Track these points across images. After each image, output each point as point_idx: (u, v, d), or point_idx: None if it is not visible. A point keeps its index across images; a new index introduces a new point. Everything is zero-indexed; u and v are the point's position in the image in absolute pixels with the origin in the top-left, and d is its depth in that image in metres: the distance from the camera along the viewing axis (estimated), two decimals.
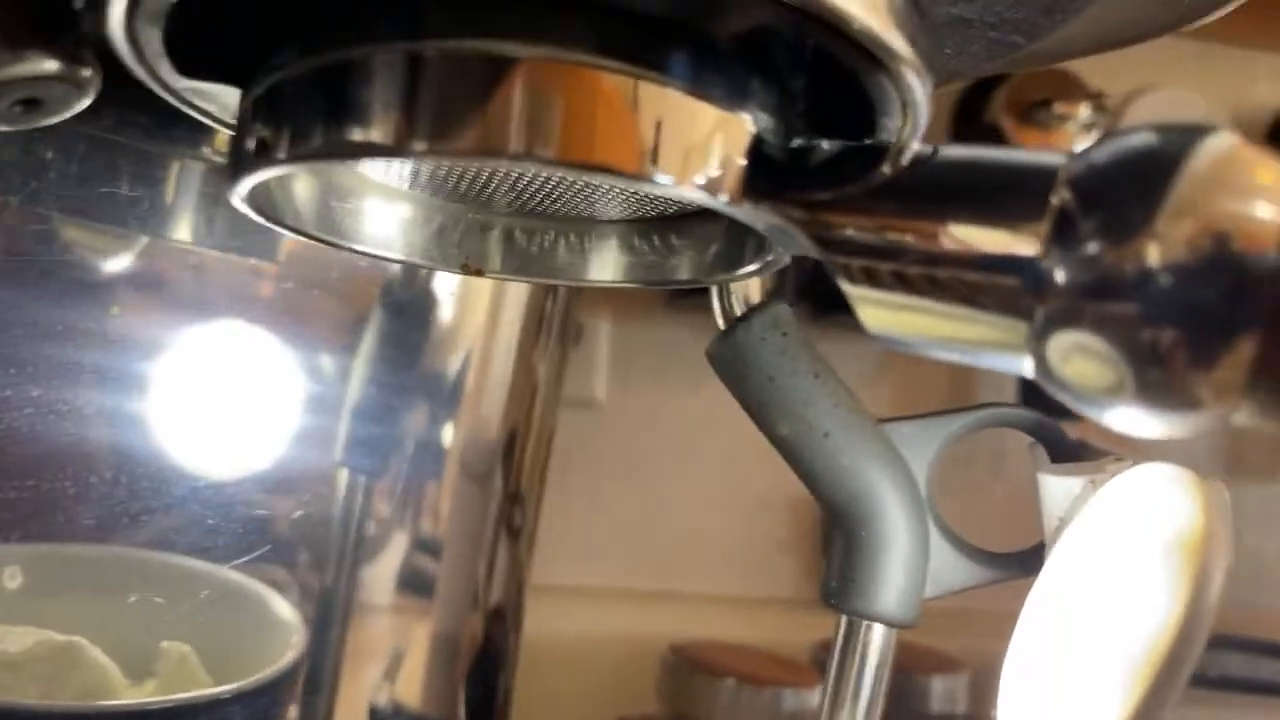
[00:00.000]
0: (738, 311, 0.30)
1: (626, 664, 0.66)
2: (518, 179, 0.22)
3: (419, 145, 0.17)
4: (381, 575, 0.37)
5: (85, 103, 0.19)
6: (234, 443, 0.33)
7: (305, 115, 0.18)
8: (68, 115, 0.20)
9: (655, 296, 0.74)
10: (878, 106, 0.19)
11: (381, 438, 0.37)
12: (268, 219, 0.22)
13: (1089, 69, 0.68)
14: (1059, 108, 0.62)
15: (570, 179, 0.22)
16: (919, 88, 0.18)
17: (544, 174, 0.21)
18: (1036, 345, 0.17)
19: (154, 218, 0.29)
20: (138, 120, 0.27)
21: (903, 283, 0.17)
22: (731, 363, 0.30)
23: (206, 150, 0.29)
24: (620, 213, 0.24)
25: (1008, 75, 0.66)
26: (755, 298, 0.30)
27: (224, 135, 0.29)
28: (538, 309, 0.43)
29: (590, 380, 0.73)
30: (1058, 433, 0.30)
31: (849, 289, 0.18)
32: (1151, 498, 0.22)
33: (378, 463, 0.37)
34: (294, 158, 0.18)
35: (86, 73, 0.19)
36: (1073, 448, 0.29)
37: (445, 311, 0.38)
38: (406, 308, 0.36)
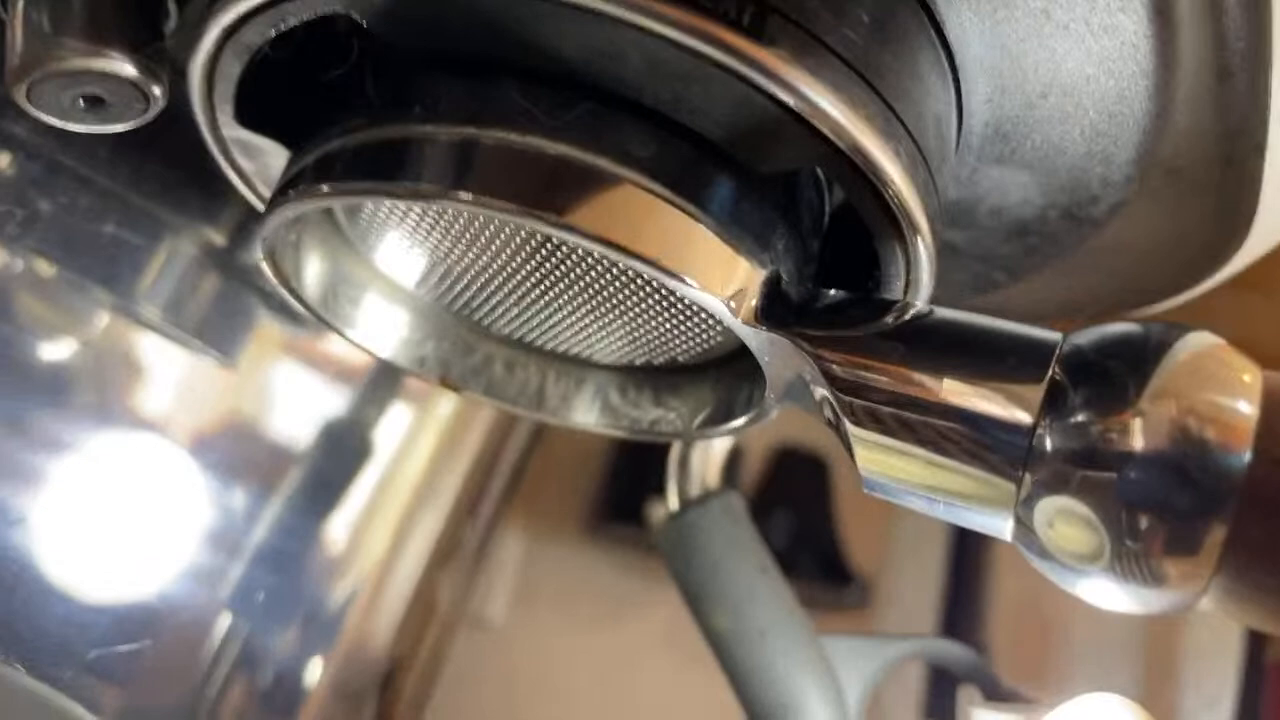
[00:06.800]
0: (693, 494, 0.30)
1: None
2: (526, 298, 0.23)
3: (465, 195, 0.17)
4: None
5: (146, 118, 0.20)
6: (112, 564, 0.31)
7: (355, 163, 0.19)
8: (125, 126, 0.20)
9: (575, 521, 0.72)
10: (883, 266, 0.20)
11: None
12: (278, 278, 0.22)
13: None
14: None
15: (585, 303, 0.22)
16: (926, 263, 0.20)
17: (564, 283, 0.22)
18: (1022, 508, 0.17)
19: (129, 281, 0.29)
20: (153, 180, 0.27)
21: (902, 428, 0.18)
22: (680, 544, 0.30)
23: (209, 233, 0.30)
24: (616, 354, 0.25)
25: None
26: (713, 483, 0.31)
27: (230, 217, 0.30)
28: (454, 530, 0.42)
29: (489, 599, 0.70)
30: (991, 676, 0.29)
31: (850, 428, 0.18)
32: None
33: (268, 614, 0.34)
34: (337, 191, 0.18)
35: (157, 89, 0.19)
36: (1004, 692, 0.29)
37: (367, 476, 0.37)
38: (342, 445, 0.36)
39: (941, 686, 0.69)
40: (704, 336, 0.23)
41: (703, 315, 0.22)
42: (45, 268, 0.30)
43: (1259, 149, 0.22)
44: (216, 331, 0.32)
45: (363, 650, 0.39)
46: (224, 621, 0.35)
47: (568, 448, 0.73)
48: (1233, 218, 0.24)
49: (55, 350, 0.32)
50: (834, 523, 0.72)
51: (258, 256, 0.21)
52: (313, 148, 0.20)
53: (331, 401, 0.37)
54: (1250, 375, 0.16)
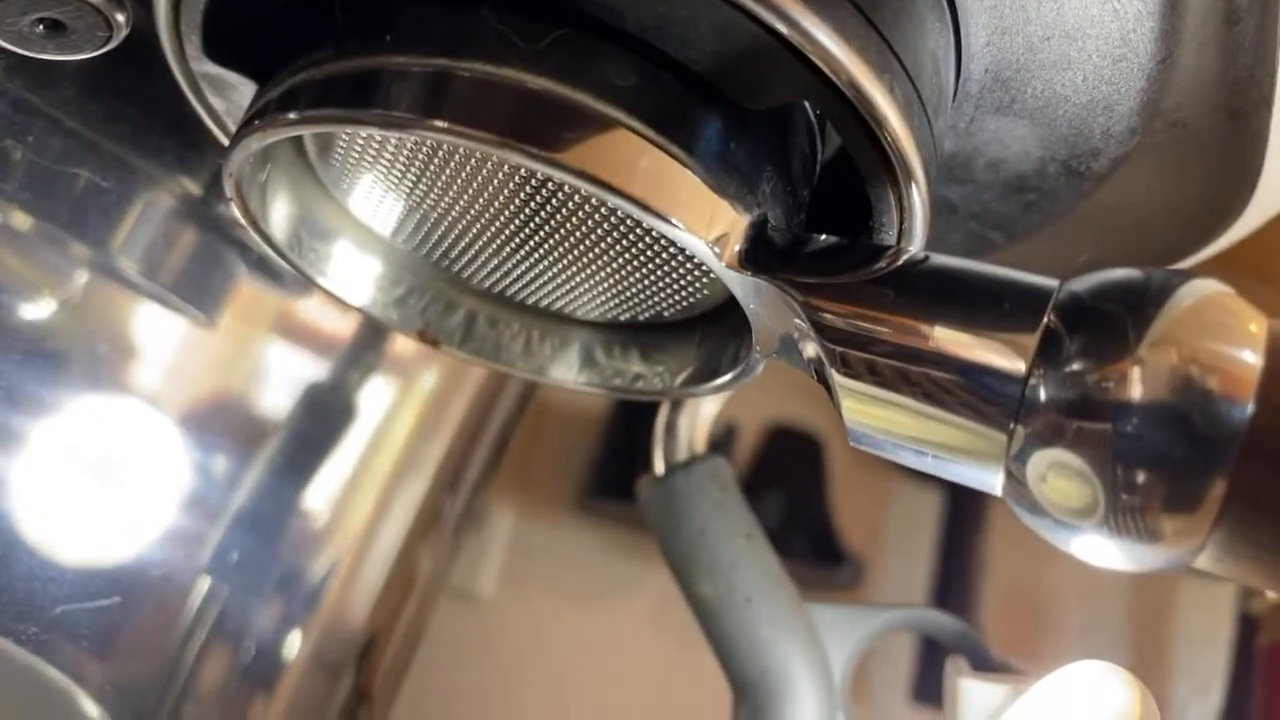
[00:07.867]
0: (680, 458, 0.30)
1: None
2: (507, 246, 0.22)
3: (439, 124, 0.17)
4: None
5: (109, 46, 0.19)
6: (87, 524, 0.30)
7: (324, 93, 0.18)
8: (86, 55, 0.19)
9: (566, 497, 0.72)
10: (875, 214, 0.19)
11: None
12: (244, 215, 0.21)
13: None
14: None
15: (567, 251, 0.21)
16: (919, 210, 0.19)
17: (545, 229, 0.21)
18: (1014, 461, 0.16)
19: (104, 232, 0.28)
20: (126, 123, 0.26)
21: (890, 377, 0.17)
22: (665, 509, 0.29)
23: (186, 183, 0.29)
24: (600, 308, 0.24)
25: None
26: (700, 448, 0.30)
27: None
28: (435, 501, 0.42)
29: (478, 573, 0.69)
30: (980, 646, 0.29)
31: (836, 377, 0.18)
32: (1089, 693, 0.21)
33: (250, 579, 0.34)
34: (305, 120, 0.18)
35: (120, 14, 0.18)
36: (993, 663, 0.28)
37: (349, 444, 0.36)
38: (324, 411, 0.35)
39: (932, 667, 0.69)
40: (689, 289, 0.22)
41: (687, 265, 0.21)
42: (21, 220, 0.29)
43: (1266, 102, 0.21)
44: (195, 288, 0.31)
45: (342, 621, 0.39)
46: (201, 585, 0.34)
47: (560, 424, 0.73)
48: (1237, 178, 0.24)
49: (33, 309, 0.31)
50: (827, 503, 0.72)
51: (226, 194, 0.20)
52: (281, 79, 0.19)
53: (314, 367, 0.36)
54: (1256, 324, 0.16)
